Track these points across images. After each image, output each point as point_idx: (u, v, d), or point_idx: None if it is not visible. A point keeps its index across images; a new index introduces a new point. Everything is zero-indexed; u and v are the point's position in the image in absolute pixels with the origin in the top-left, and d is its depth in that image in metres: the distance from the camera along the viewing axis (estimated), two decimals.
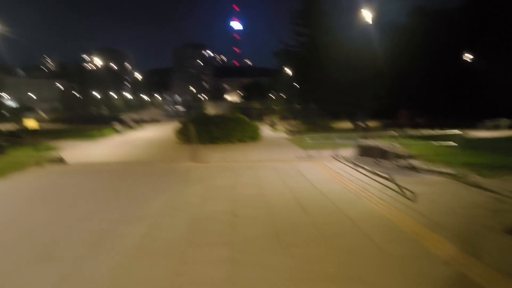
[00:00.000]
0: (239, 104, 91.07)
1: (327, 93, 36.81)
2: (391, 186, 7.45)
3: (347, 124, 41.07)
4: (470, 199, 6.36)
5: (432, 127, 35.59)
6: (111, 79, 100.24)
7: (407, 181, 7.97)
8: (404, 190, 6.99)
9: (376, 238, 4.56)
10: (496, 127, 36.03)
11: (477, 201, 6.22)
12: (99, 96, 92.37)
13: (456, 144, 8.35)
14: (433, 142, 11.46)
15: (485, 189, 6.99)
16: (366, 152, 14.39)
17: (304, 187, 7.85)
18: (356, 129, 34.17)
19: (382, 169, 9.56)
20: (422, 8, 65.72)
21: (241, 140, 22.41)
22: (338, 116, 42.57)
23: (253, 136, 23.44)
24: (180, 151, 17.34)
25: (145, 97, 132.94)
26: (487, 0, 52.73)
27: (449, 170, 8.82)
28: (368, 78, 34.86)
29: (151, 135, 32.67)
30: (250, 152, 17.16)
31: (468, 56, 41.61)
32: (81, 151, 18.51)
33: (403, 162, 10.70)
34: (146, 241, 4.66)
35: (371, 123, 42.20)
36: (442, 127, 34.86)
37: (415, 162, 10.75)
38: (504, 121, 36.92)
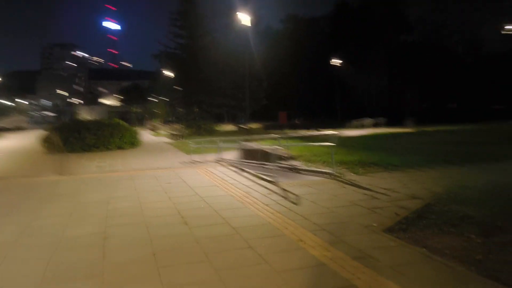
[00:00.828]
0: (118, 108, 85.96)
1: (209, 95, 36.71)
2: (275, 190, 7.37)
3: (231, 127, 41.65)
4: (348, 197, 6.56)
5: (308, 127, 38.13)
6: None
7: (290, 183, 8.01)
8: (288, 193, 6.96)
9: (261, 250, 4.27)
10: (362, 126, 40.14)
11: (354, 199, 6.43)
12: None
13: (335, 144, 8.66)
14: (312, 143, 11.89)
15: (360, 187, 7.34)
16: (250, 155, 14.42)
17: (187, 196, 7.33)
18: (239, 131, 34.74)
19: (266, 172, 9.53)
20: (295, 15, 70.15)
21: (120, 146, 20.84)
22: (221, 119, 42.92)
23: (133, 142, 22.01)
24: (45, 162, 15.27)
25: (6, 102, 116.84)
26: (349, 12, 58.56)
27: (327, 170, 9.15)
28: (248, 80, 35.72)
29: (12, 144, 28.58)
30: (129, 159, 15.94)
31: (336, 62, 45.55)
32: None
33: (285, 163, 10.87)
34: None
35: (253, 125, 43.45)
36: (317, 127, 37.57)
37: (296, 163, 11.02)
38: (368, 121, 41.33)
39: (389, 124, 40.81)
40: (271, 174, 8.46)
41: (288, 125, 40.37)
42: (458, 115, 47.90)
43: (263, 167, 10.93)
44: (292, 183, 7.96)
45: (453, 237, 4.47)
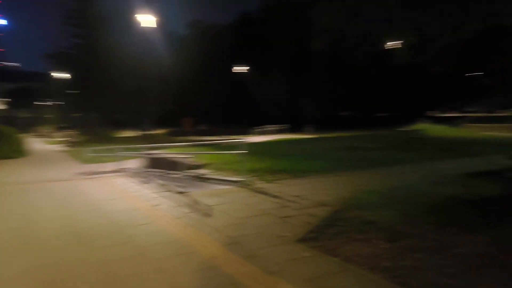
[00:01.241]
0: (2, 112, 77.03)
1: (109, 100, 34.53)
2: (185, 201, 7.00)
3: (133, 133, 39.70)
4: (260, 206, 6.48)
5: (214, 134, 38.03)
6: None
7: (200, 193, 7.70)
8: (199, 204, 6.65)
9: (171, 272, 3.92)
10: (266, 133, 41.27)
11: (266, 207, 6.36)
12: None
13: (247, 151, 8.57)
14: (223, 151, 11.73)
15: (270, 195, 7.33)
16: (155, 164, 13.76)
17: (86, 212, 6.60)
18: (143, 138, 33.25)
19: (174, 182, 9.09)
20: (200, 21, 69.88)
21: (7, 156, 18.44)
22: (123, 125, 40.70)
23: (21, 151, 19.67)
24: None
25: None
26: (252, 21, 60.09)
27: (237, 178, 9.03)
28: (153, 85, 34.45)
29: None
30: (17, 170, 14.14)
31: (240, 69, 46.32)
32: None
33: (193, 172, 10.52)
34: None
35: (158, 131, 42.01)
36: (223, 134, 37.67)
37: (206, 172, 10.74)
38: (271, 127, 42.62)
39: (291, 130, 42.56)
40: (180, 184, 8.07)
41: (193, 132, 39.80)
42: (351, 122, 52.02)
43: (171, 176, 10.44)
44: (202, 193, 7.67)
45: (362, 244, 4.59)
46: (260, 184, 8.48)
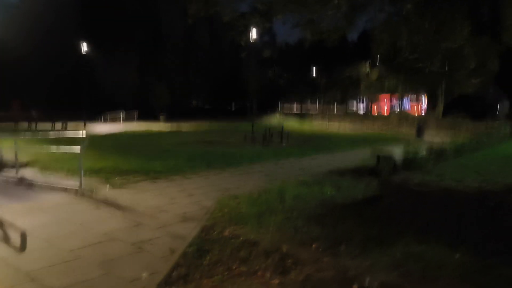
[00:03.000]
0: None
1: None
2: None
3: None
4: (103, 227, 4.82)
5: (50, 120, 32.77)
6: None
7: (16, 209, 5.57)
8: (9, 229, 4.64)
9: None
10: (113, 120, 37.63)
11: (111, 228, 4.75)
12: None
13: (81, 150, 6.65)
14: (53, 148, 9.28)
15: (119, 207, 5.69)
16: None
17: None
18: None
19: None
20: None
21: None
22: None
23: None
24: None
25: None
26: (99, 2, 54.42)
27: (72, 183, 7.01)
28: None
29: None
30: None
31: (85, 51, 41.25)
32: None
33: (11, 174, 8.02)
34: None
35: None
36: (60, 120, 32.73)
37: (30, 173, 8.31)
38: (119, 114, 39.06)
39: (142, 118, 39.75)
40: None
41: (23, 117, 33.61)
42: (203, 113, 51.73)
43: None
44: (19, 209, 5.54)
45: (247, 280, 3.47)
46: (105, 191, 6.70)
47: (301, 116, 38.88)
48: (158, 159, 10.22)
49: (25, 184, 7.38)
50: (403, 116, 25.44)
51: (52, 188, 6.92)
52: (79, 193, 6.49)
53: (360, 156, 12.30)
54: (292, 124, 21.86)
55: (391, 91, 44.81)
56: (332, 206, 6.11)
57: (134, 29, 48.08)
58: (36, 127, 30.52)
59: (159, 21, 48.61)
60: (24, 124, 31.25)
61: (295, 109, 61.14)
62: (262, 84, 51.25)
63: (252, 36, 36.04)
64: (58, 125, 30.57)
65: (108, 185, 7.09)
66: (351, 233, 4.69)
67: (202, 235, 4.58)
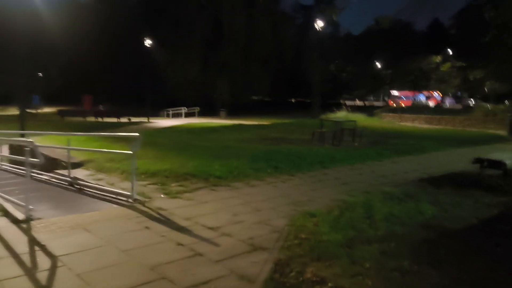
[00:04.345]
0: None
1: None
2: (16, 243, 4.03)
3: (13, 110, 33.32)
4: (151, 257, 3.82)
5: (115, 115, 33.60)
6: None
7: (56, 222, 4.77)
8: (40, 253, 3.78)
9: None
10: (176, 115, 37.87)
11: (161, 260, 3.73)
12: None
13: (134, 150, 5.74)
14: (105, 150, 8.63)
15: (172, 226, 4.69)
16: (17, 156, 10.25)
17: None
18: (27, 117, 27.59)
19: (19, 190, 5.94)
20: None
21: None
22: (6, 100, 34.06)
23: None
24: None
25: None
26: None
27: (123, 190, 6.16)
28: (37, 54, 28.84)
29: None
30: None
31: (149, 45, 41.90)
32: None
33: (64, 175, 7.41)
34: None
35: (47, 109, 36.16)
36: (125, 115, 33.44)
37: (83, 174, 7.68)
38: (182, 110, 39.23)
39: (203, 114, 39.68)
40: (37, 195, 5.00)
41: (92, 112, 34.81)
42: (263, 107, 50.78)
43: (35, 179, 7.25)
44: (59, 223, 4.73)
45: None
46: (159, 201, 5.78)
47: (366, 110, 36.50)
48: (218, 159, 9.22)
49: (75, 187, 6.70)
50: (490, 112, 22.51)
51: (102, 195, 6.15)
52: (130, 203, 5.62)
53: (452, 158, 10.55)
54: (358, 119, 20.06)
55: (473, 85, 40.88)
56: (440, 233, 4.69)
57: (195, 23, 48.10)
58: (102, 120, 31.29)
59: (221, 13, 48.15)
60: (92, 119, 32.24)
61: (357, 103, 58.30)
62: (324, 77, 49.24)
63: (317, 25, 34.27)
64: (123, 120, 31.15)
65: (162, 193, 6.18)
66: (484, 280, 3.30)
67: (276, 276, 3.42)
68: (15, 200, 5.26)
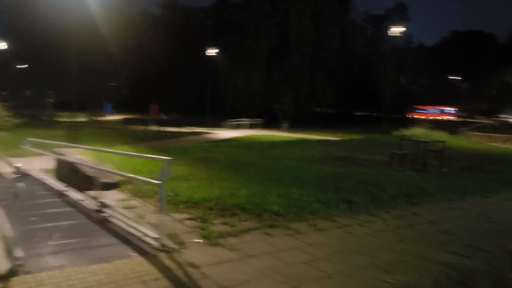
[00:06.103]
0: None
1: (48, 77, 29.23)
2: None
3: (84, 118, 34.47)
4: None
5: (177, 124, 33.52)
6: None
7: (58, 277, 3.45)
8: None
9: None
10: (237, 126, 37.04)
11: None
12: None
13: (163, 181, 4.30)
14: (133, 176, 7.32)
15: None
16: (65, 173, 9.51)
17: None
18: (88, 124, 28.28)
19: (40, 221, 4.78)
20: (173, 1, 64.66)
21: None
22: (69, 107, 35.34)
23: None
24: None
25: None
26: (230, 6, 55.45)
27: (150, 228, 4.77)
28: (110, 65, 29.48)
29: None
30: None
31: (213, 55, 41.79)
32: None
33: (97, 198, 6.23)
34: None
35: (115, 117, 36.95)
36: (187, 125, 33.23)
37: (117, 198, 6.47)
38: (244, 121, 38.35)
39: (265, 125, 38.50)
40: (48, 235, 3.75)
41: (155, 121, 35.02)
42: (327, 119, 48.51)
43: (65, 201, 6.19)
44: (47, 283, 3.40)
45: None
46: (193, 249, 4.29)
47: (444, 126, 33.05)
48: (277, 185, 7.61)
49: (100, 216, 5.46)
50: None
51: (126, 231, 4.81)
52: (154, 249, 4.20)
53: None
54: (442, 138, 17.43)
55: None
56: None
57: (260, 32, 47.42)
58: (163, 129, 31.17)
59: (287, 21, 46.96)
60: (154, 127, 32.29)
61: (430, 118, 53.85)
62: (396, 89, 46.04)
63: (390, 35, 31.72)
64: (184, 129, 30.83)
65: (200, 236, 4.69)
66: None
67: None
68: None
